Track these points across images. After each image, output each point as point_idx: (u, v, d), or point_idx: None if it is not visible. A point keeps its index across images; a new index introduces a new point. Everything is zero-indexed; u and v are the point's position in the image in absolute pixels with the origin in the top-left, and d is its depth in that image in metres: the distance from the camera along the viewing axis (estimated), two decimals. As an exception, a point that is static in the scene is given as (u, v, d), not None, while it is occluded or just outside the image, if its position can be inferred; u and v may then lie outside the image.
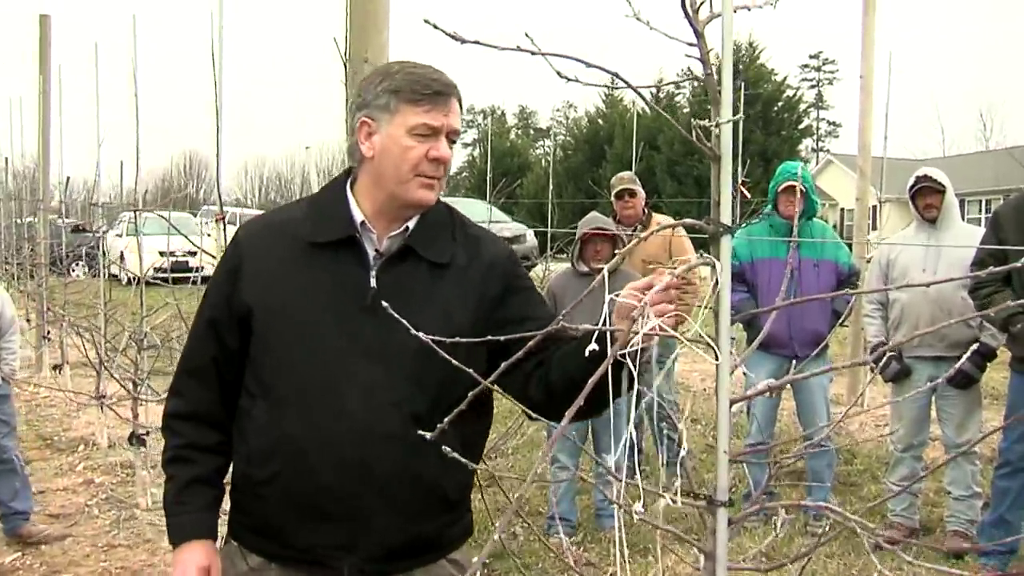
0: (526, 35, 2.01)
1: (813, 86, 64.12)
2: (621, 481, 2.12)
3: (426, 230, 2.43)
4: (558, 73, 2.17)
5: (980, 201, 43.54)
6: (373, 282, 2.32)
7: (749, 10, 2.12)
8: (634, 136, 11.34)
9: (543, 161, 52.11)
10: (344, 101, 3.84)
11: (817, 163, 48.12)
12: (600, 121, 50.10)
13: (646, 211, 7.39)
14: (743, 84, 17.69)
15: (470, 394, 1.81)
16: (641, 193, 7.37)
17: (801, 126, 43.36)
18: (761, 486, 2.25)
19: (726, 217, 2.11)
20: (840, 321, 6.37)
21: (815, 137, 56.64)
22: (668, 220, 7.66)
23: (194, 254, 17.81)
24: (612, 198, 7.39)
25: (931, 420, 6.13)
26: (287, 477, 2.31)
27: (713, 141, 2.09)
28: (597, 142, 47.36)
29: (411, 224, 2.41)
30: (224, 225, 5.21)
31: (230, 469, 2.49)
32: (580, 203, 29.89)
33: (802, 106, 44.06)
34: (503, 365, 1.87)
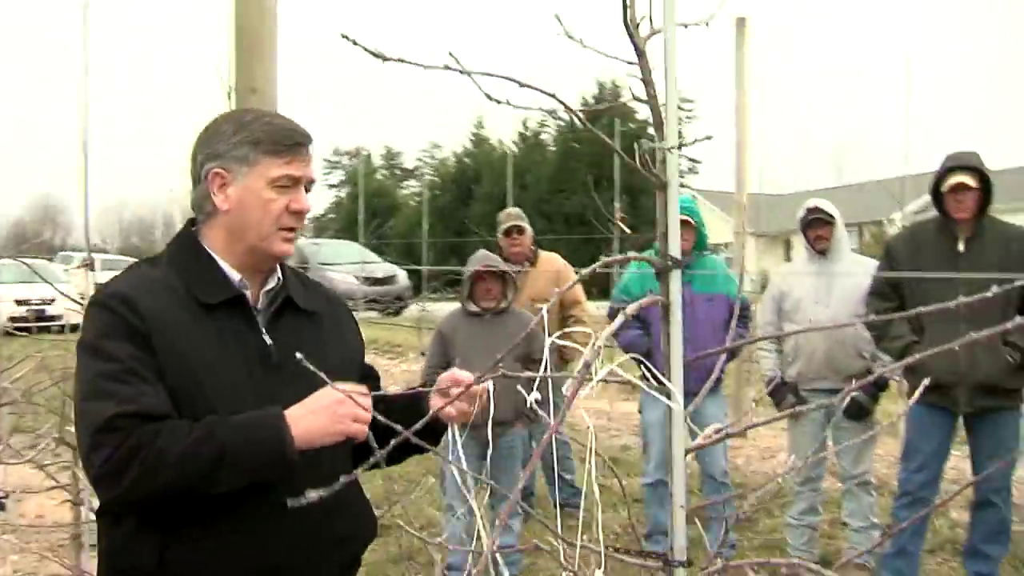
0: (450, 54, 1.83)
1: (672, 124, 65.42)
2: (576, 545, 1.94)
3: (291, 282, 2.40)
4: (487, 96, 1.98)
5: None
6: (268, 339, 2.25)
7: (686, 27, 1.98)
8: (509, 173, 11.31)
9: (411, 201, 51.93)
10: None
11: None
12: (467, 160, 50.22)
13: (533, 248, 7.25)
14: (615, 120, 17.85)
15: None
16: (529, 230, 7.23)
17: (665, 162, 44.09)
18: (719, 539, 2.07)
19: (675, 250, 1.95)
20: (732, 356, 6.31)
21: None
22: (555, 257, 7.53)
23: (52, 302, 17.10)
24: (499, 235, 7.23)
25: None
26: (222, 559, 2.13)
27: (658, 167, 1.93)
28: (464, 181, 47.43)
29: (279, 276, 2.37)
30: (92, 270, 4.85)
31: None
32: (450, 242, 29.80)
33: (665, 144, 44.77)
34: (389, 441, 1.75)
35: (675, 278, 1.95)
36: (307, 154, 2.28)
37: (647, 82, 1.90)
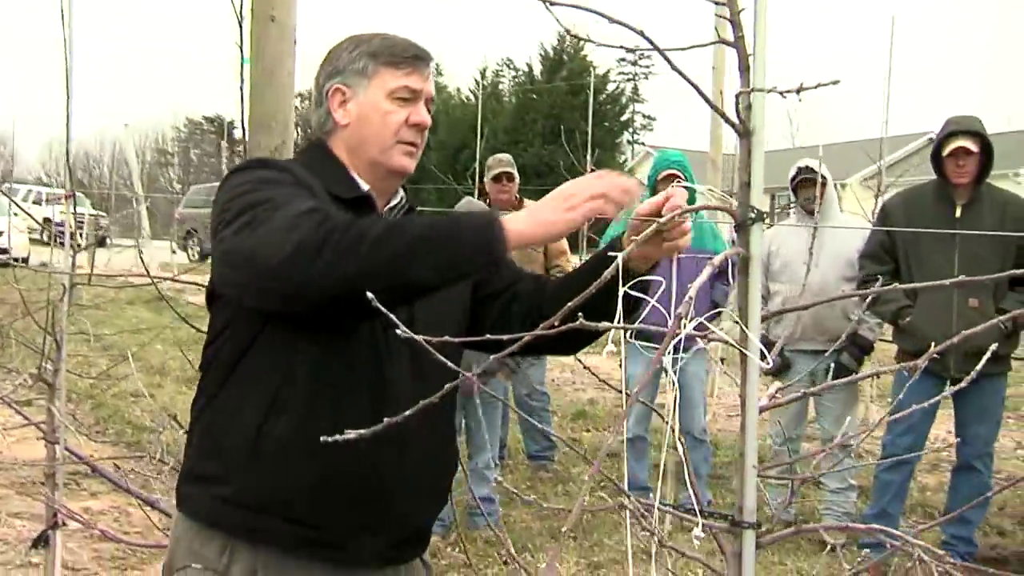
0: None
1: (629, 79, 65.44)
2: (654, 508, 1.86)
3: (411, 200, 2.35)
4: (567, 30, 1.87)
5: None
6: None
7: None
8: (479, 122, 11.12)
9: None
10: (240, 66, 3.42)
11: (633, 155, 49.12)
12: (423, 107, 49.52)
13: (518, 196, 7.14)
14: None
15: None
16: (517, 177, 7.11)
17: (623, 118, 44.20)
18: (786, 501, 2.00)
19: (757, 201, 1.85)
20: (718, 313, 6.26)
21: (631, 130, 57.81)
22: None
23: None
24: (487, 179, 7.11)
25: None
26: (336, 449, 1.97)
27: (743, 112, 1.83)
28: (419, 129, 46.79)
29: (403, 195, 2.32)
30: (75, 202, 4.65)
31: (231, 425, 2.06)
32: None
33: (623, 99, 44.88)
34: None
35: (756, 231, 1.85)
36: (427, 69, 2.22)
37: (734, 23, 1.79)
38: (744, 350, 1.83)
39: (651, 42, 1.77)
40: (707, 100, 1.84)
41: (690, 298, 1.68)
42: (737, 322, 1.84)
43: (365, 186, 2.19)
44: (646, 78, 67.96)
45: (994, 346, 2.31)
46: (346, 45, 2.24)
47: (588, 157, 12.41)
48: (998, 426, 5.43)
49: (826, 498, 5.96)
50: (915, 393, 5.16)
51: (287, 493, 2.02)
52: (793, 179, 5.95)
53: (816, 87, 1.52)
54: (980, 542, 5.50)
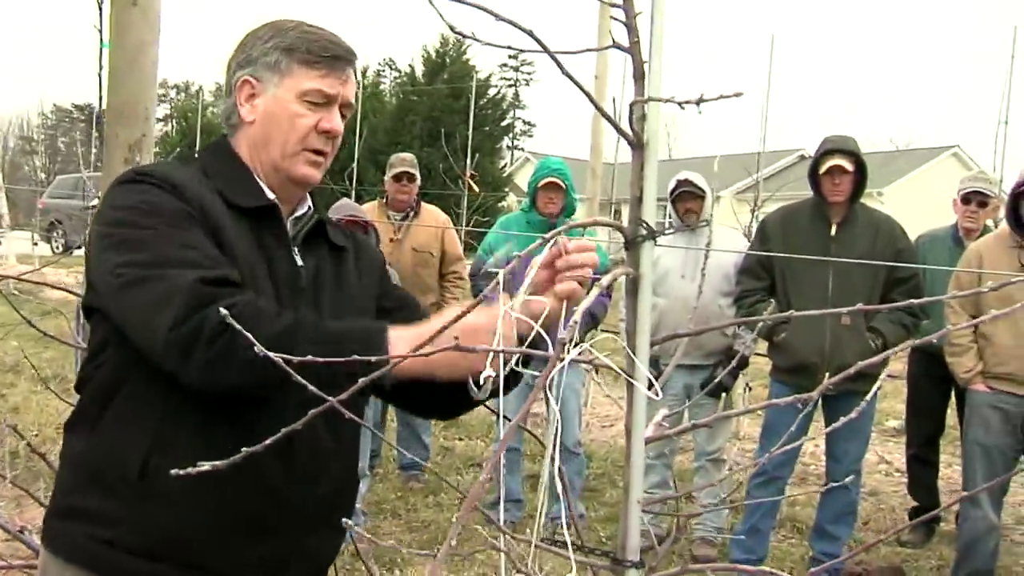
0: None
1: (511, 85, 65.65)
2: (531, 546, 1.73)
3: (319, 210, 2.20)
4: (451, 28, 1.74)
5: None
6: (299, 260, 2.03)
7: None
8: (358, 121, 10.91)
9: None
10: (99, 48, 3.19)
11: (512, 161, 49.23)
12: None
13: (417, 198, 7.00)
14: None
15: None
16: (419, 178, 6.97)
17: (504, 123, 44.21)
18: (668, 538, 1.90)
19: (650, 216, 1.75)
20: (595, 325, 6.20)
21: (511, 135, 57.99)
22: (437, 211, 7.30)
23: None
24: (388, 178, 6.95)
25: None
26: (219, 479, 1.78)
27: (636, 123, 1.72)
28: (299, 126, 46.05)
29: (311, 205, 2.17)
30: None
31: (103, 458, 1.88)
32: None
33: (504, 104, 44.92)
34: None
35: (647, 249, 1.74)
36: (347, 72, 2.04)
37: (630, 28, 1.69)
38: (631, 378, 1.73)
39: (541, 44, 1.65)
40: (599, 108, 1.73)
41: (575, 322, 1.56)
42: (625, 346, 1.74)
43: (271, 194, 2.02)
44: (527, 84, 68.43)
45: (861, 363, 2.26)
46: (262, 33, 2.05)
47: (468, 161, 12.31)
48: (867, 443, 5.50)
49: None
50: (785, 409, 5.22)
51: (181, 536, 1.84)
52: (672, 191, 5.93)
53: (718, 98, 1.41)
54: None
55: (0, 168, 22.46)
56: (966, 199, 6.09)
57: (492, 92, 42.79)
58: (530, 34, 1.65)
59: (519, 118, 61.32)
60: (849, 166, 5.08)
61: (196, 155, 2.20)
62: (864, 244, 5.13)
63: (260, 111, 2.01)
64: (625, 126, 1.72)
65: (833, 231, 5.15)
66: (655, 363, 5.97)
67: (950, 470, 7.22)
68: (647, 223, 1.74)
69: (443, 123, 34.10)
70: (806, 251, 5.09)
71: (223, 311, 1.56)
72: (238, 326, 1.50)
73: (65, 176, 29.56)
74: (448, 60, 38.49)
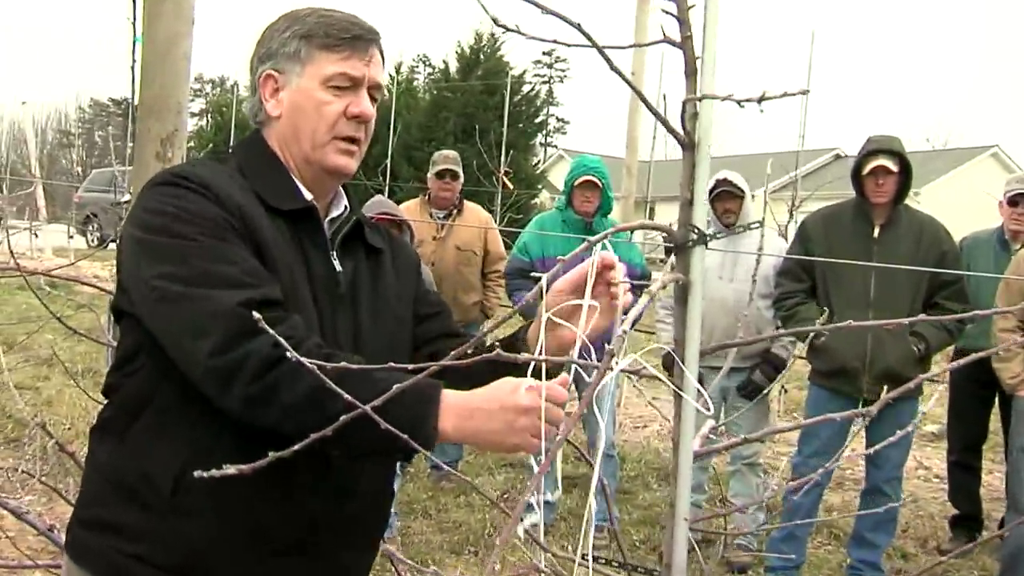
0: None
1: (544, 82, 65.51)
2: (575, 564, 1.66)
3: (355, 210, 2.10)
4: (495, 20, 1.67)
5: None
6: (337, 265, 1.96)
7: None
8: (392, 117, 10.89)
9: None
10: (131, 41, 3.15)
11: (546, 158, 49.11)
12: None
13: (459, 196, 6.95)
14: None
15: None
16: (462, 176, 6.91)
17: (537, 120, 44.08)
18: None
19: (701, 220, 1.67)
20: (632, 326, 6.11)
21: (544, 132, 57.89)
22: (480, 209, 7.31)
23: None
24: (431, 175, 6.93)
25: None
26: (252, 496, 1.74)
27: (688, 122, 1.65)
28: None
29: (348, 204, 2.07)
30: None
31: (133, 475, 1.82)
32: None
33: (538, 101, 44.78)
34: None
35: (698, 254, 1.66)
36: (371, 52, 1.95)
37: (682, 21, 1.61)
38: (679, 390, 1.65)
39: (590, 38, 1.59)
40: (649, 106, 1.66)
41: (624, 331, 1.49)
42: (673, 354, 1.66)
43: (308, 195, 1.95)
44: (561, 81, 68.27)
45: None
46: (279, 24, 1.98)
47: (502, 158, 12.26)
48: (909, 449, 5.39)
49: (735, 518, 5.85)
50: (824, 414, 5.13)
51: (212, 553, 1.78)
52: (711, 191, 5.82)
53: (782, 95, 1.33)
54: (886, 566, 5.44)
55: (38, 162, 22.57)
56: (1013, 201, 5.95)
57: (526, 89, 42.73)
58: (578, 28, 1.58)
59: (553, 115, 61.26)
60: (894, 167, 4.96)
61: (231, 151, 2.12)
62: (908, 246, 5.02)
63: (286, 104, 1.95)
64: (676, 124, 1.64)
65: (876, 233, 5.04)
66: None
67: (991, 477, 7.07)
68: (698, 227, 1.67)
69: (477, 120, 33.96)
70: (848, 253, 4.99)
71: (269, 348, 1.58)
72: (281, 371, 1.56)
73: (101, 170, 29.77)
74: (483, 57, 38.37)
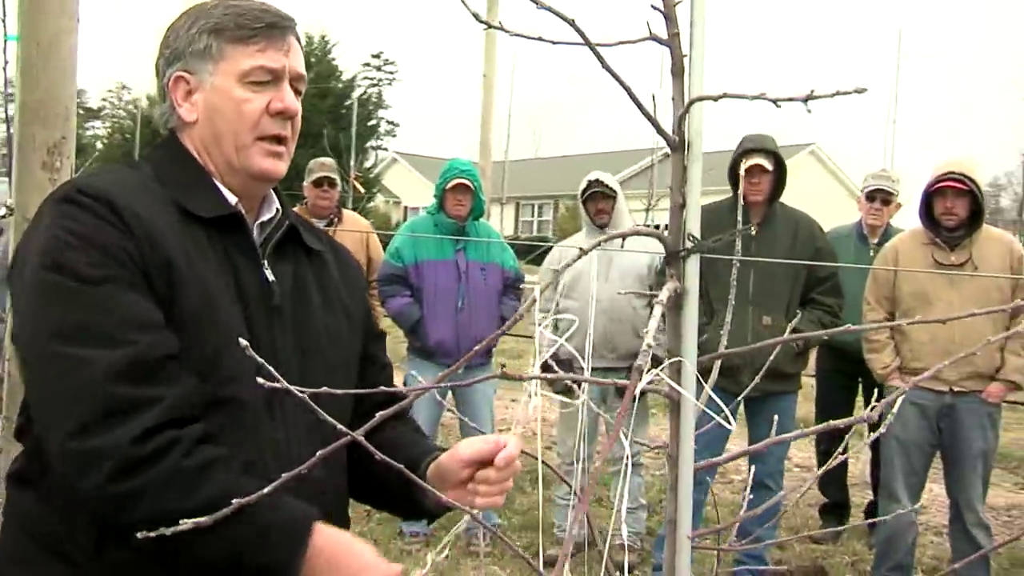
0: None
1: (373, 85, 65.05)
2: None
3: (291, 214, 1.92)
4: (475, 16, 1.56)
5: (532, 205, 46.33)
6: (269, 274, 1.78)
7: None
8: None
9: (99, 142, 48.24)
10: (2, 44, 2.89)
11: (376, 161, 48.75)
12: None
13: (338, 204, 6.74)
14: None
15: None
16: (339, 183, 6.70)
17: (370, 123, 43.65)
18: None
19: (694, 226, 1.60)
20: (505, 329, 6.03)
21: (376, 136, 57.50)
22: (358, 217, 7.14)
23: None
24: (307, 184, 6.69)
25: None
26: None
27: (674, 124, 1.57)
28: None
29: (279, 206, 1.89)
30: None
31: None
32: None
33: (370, 105, 44.34)
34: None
35: (693, 263, 1.59)
36: (288, 40, 1.78)
37: (668, 17, 1.53)
38: (680, 395, 1.58)
39: (582, 34, 1.50)
40: (640, 106, 1.57)
41: (648, 346, 1.41)
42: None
43: (233, 199, 1.77)
44: (391, 84, 67.98)
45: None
46: (183, 21, 1.79)
47: (352, 163, 12.00)
48: (789, 444, 5.49)
49: (618, 518, 5.84)
50: (709, 411, 5.17)
51: None
52: (583, 192, 5.81)
53: (834, 95, 1.24)
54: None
55: None
56: (870, 196, 6.15)
57: (357, 92, 42.34)
58: (571, 23, 1.49)
59: (383, 118, 60.90)
60: (769, 165, 5.05)
61: (143, 157, 1.93)
62: (784, 243, 5.11)
63: (201, 106, 1.76)
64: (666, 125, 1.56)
65: (753, 231, 5.11)
66: (568, 366, 5.77)
67: (858, 463, 7.31)
68: (692, 234, 1.60)
69: (310, 124, 33.37)
70: (726, 251, 5.03)
71: (130, 446, 1.46)
72: (148, 477, 1.46)
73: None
74: (313, 59, 37.84)
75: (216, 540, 1.47)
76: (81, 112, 61.08)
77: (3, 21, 2.84)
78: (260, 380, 1.30)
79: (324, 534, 1.58)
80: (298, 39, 1.82)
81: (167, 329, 1.57)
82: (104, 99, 60.47)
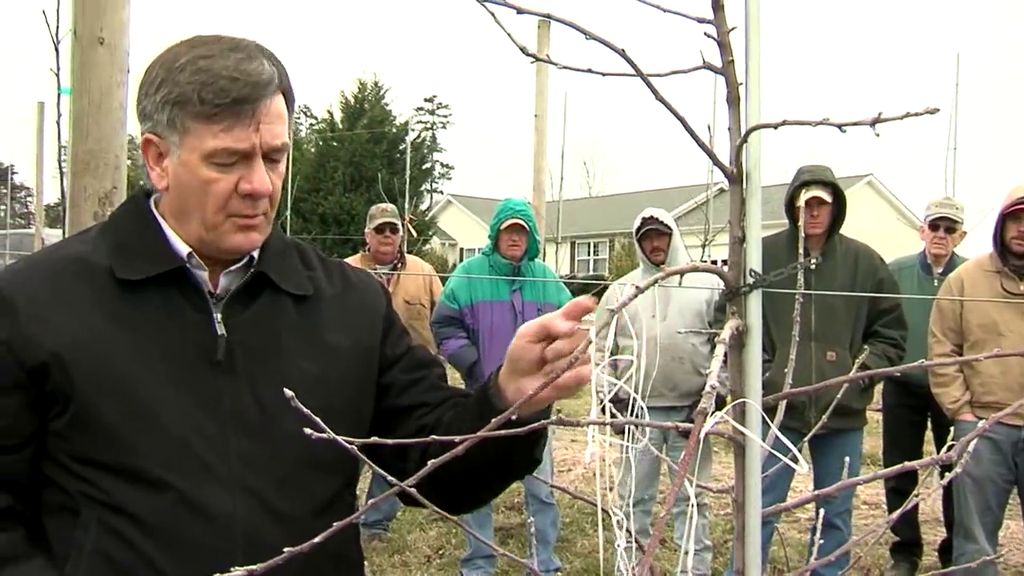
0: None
1: (427, 128, 65.68)
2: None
3: (273, 258, 1.79)
4: (522, 49, 1.52)
5: (588, 244, 46.30)
6: (220, 328, 1.68)
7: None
8: (289, 170, 10.52)
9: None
10: (56, 97, 2.92)
11: (431, 203, 49.12)
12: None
13: (400, 251, 6.75)
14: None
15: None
16: (400, 228, 6.73)
17: (424, 167, 44.06)
18: None
19: (756, 262, 1.53)
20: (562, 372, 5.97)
21: (431, 179, 57.95)
22: (420, 260, 7.23)
23: None
24: (369, 230, 6.73)
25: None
26: None
27: (731, 155, 1.52)
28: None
29: (254, 252, 1.76)
30: None
31: None
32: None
33: (424, 148, 44.77)
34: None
35: (755, 299, 1.53)
36: (259, 113, 1.61)
37: (723, 45, 1.48)
38: (746, 438, 1.51)
39: (633, 65, 1.44)
40: (696, 138, 1.51)
41: (712, 387, 1.34)
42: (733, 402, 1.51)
43: (184, 250, 1.69)
44: (444, 127, 68.62)
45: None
46: (153, 77, 1.65)
47: (407, 207, 12.06)
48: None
49: (682, 560, 5.73)
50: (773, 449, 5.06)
51: None
52: (638, 230, 5.75)
53: (904, 116, 1.18)
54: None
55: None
56: (934, 225, 6.01)
57: (411, 136, 42.77)
58: (622, 54, 1.44)
59: (437, 160, 61.39)
60: (827, 197, 4.96)
61: (109, 216, 1.89)
62: (844, 276, 5.01)
63: (170, 176, 1.66)
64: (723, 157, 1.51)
65: (813, 264, 5.01)
66: (627, 407, 5.68)
67: (929, 502, 7.11)
68: (754, 270, 1.53)
69: (364, 168, 33.80)
70: (785, 285, 4.94)
71: None
72: None
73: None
74: (367, 105, 38.26)
75: None
76: (131, 163, 62.19)
77: (57, 75, 2.86)
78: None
79: None
80: (285, 94, 1.69)
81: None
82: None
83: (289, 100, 1.70)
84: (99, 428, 1.57)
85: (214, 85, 1.59)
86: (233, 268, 1.74)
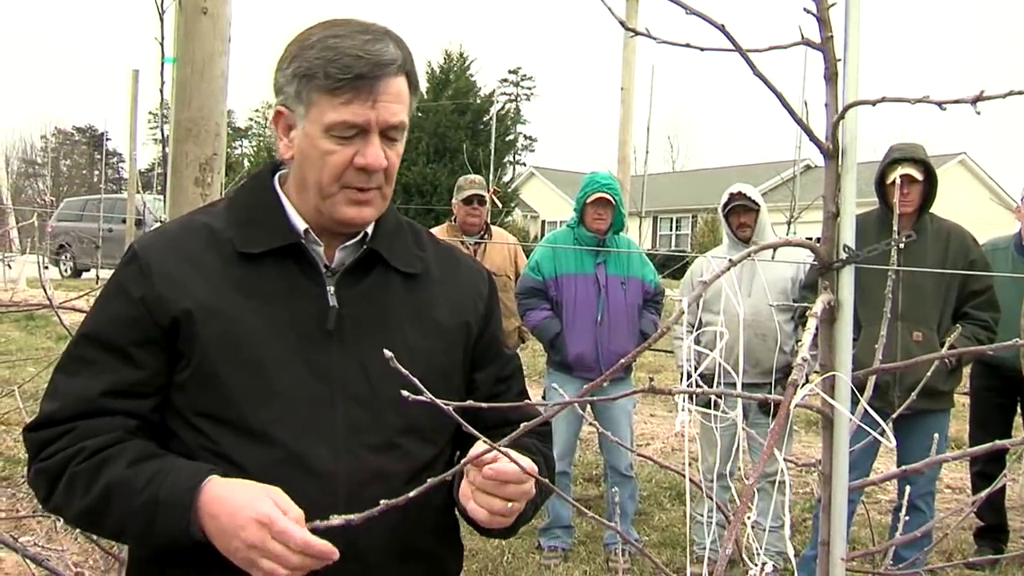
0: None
1: (511, 100, 65.63)
2: None
3: (385, 236, 1.90)
4: (622, 23, 1.55)
5: (671, 219, 45.95)
6: (333, 300, 1.79)
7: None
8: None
9: (246, 160, 50.08)
10: (160, 65, 3.00)
11: (514, 175, 49.18)
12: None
13: (486, 221, 6.82)
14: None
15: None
16: (488, 200, 6.78)
17: (508, 139, 44.04)
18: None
19: (849, 237, 1.55)
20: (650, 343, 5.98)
21: (514, 151, 57.98)
22: (505, 232, 7.25)
23: None
24: (457, 201, 6.78)
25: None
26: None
27: (828, 131, 1.53)
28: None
29: (368, 230, 1.88)
30: None
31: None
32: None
33: (508, 120, 44.72)
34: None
35: (848, 274, 1.54)
36: (378, 91, 1.69)
37: (823, 21, 1.49)
38: (835, 411, 1.53)
39: (733, 40, 1.46)
40: (792, 113, 1.53)
41: (804, 360, 1.37)
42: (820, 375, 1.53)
43: (302, 225, 1.80)
44: (528, 99, 68.55)
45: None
46: (287, 52, 1.77)
47: (491, 178, 12.11)
48: (941, 464, 5.29)
49: (759, 537, 5.72)
50: (856, 428, 5.02)
51: None
52: (724, 205, 5.72)
53: (1007, 95, 1.19)
54: (917, 583, 5.33)
55: (8, 191, 22.24)
56: (1029, 205, 5.89)
57: (495, 107, 42.79)
58: (722, 29, 1.46)
59: (521, 133, 61.35)
60: (919, 175, 4.88)
61: (234, 190, 2.02)
62: (935, 256, 4.93)
63: (296, 147, 1.77)
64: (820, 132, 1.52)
65: (905, 241, 4.94)
66: (709, 381, 5.65)
67: (1016, 486, 6.99)
68: (847, 245, 1.55)
69: (448, 139, 33.92)
70: (875, 263, 4.89)
71: (35, 477, 1.73)
72: (56, 493, 1.69)
73: (73, 199, 29.41)
74: (452, 76, 38.32)
75: (112, 523, 1.66)
76: (230, 131, 63.45)
77: (161, 44, 2.94)
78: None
79: (211, 493, 1.61)
80: (408, 75, 1.77)
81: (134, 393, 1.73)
82: (251, 118, 62.59)
83: (412, 83, 1.79)
84: (218, 385, 1.69)
85: (339, 61, 1.69)
86: (348, 244, 1.85)
